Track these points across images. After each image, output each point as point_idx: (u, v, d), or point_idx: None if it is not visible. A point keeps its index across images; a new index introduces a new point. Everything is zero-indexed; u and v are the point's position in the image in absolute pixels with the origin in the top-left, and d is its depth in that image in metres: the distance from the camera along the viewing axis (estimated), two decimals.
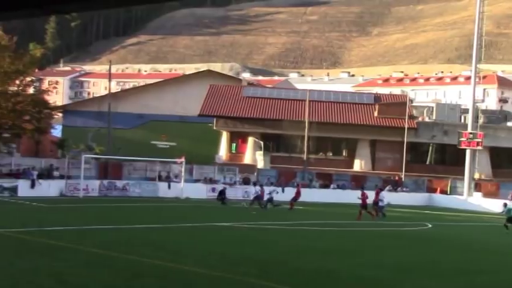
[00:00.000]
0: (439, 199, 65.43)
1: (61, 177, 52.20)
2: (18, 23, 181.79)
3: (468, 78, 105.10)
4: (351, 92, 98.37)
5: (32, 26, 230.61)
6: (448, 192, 67.03)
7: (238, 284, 18.66)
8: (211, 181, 58.98)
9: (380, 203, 44.47)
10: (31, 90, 63.99)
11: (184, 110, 78.74)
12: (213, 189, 56.07)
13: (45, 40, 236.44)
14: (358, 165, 73.45)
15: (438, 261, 25.02)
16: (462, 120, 79.09)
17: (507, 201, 43.96)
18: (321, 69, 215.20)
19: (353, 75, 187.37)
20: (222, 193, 51.30)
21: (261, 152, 71.02)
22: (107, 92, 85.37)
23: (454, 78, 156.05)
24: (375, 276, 21.36)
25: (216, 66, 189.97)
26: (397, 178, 68.42)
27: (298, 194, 49.00)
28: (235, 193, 56.89)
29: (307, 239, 30.94)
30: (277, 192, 49.88)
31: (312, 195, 59.93)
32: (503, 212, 40.14)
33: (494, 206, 61.90)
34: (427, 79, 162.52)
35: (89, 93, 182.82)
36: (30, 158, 60.23)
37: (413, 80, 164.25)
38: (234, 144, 75.79)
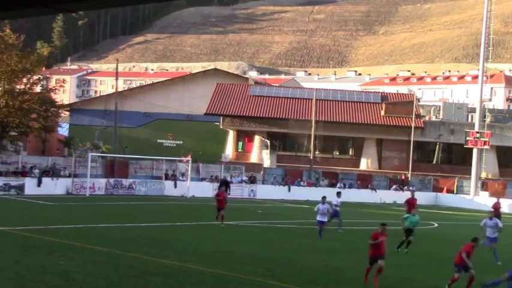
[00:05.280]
0: (446, 198, 65.32)
1: (67, 175, 52.29)
2: (26, 21, 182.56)
3: (475, 77, 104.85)
4: (358, 90, 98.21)
5: (39, 25, 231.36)
6: (455, 192, 66.89)
7: (244, 283, 18.65)
8: (217, 180, 58.91)
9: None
10: (38, 89, 64.16)
11: (191, 108, 78.81)
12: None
13: (53, 39, 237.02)
14: (365, 164, 73.34)
15: (444, 260, 24.98)
16: (469, 120, 78.91)
17: None
18: (328, 68, 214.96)
19: (360, 74, 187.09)
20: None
21: (268, 151, 70.99)
22: (113, 90, 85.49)
23: (461, 77, 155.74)
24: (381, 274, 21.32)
25: (223, 65, 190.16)
26: (403, 177, 68.32)
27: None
28: (242, 192, 56.89)
29: (314, 237, 30.91)
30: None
31: (319, 194, 59.87)
32: None
33: (501, 205, 61.81)
34: (434, 78, 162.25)
35: (95, 92, 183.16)
36: (37, 157, 60.36)
37: (420, 79, 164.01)
38: (241, 142, 75.79)
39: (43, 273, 18.19)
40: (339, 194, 36.66)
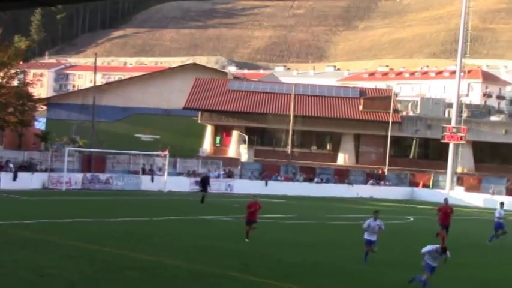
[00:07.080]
0: (422, 193, 65.69)
1: (43, 170, 51.94)
2: (3, 14, 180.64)
3: (453, 72, 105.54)
4: (336, 86, 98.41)
5: (17, 18, 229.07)
6: (431, 186, 67.30)
7: (219, 278, 18.67)
8: (194, 174, 58.82)
9: None
10: (15, 83, 63.65)
11: (169, 103, 78.62)
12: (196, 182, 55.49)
13: (30, 32, 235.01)
14: (342, 159, 73.62)
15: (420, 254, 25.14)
16: (446, 115, 79.44)
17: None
18: (307, 63, 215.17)
19: (338, 69, 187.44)
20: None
21: (245, 146, 71.00)
22: (92, 84, 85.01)
23: (439, 73, 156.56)
24: (358, 269, 21.49)
25: (202, 60, 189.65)
26: (380, 172, 68.69)
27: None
28: (219, 187, 56.82)
29: (291, 232, 31.04)
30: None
31: (296, 188, 60.21)
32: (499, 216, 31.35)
33: (476, 200, 62.41)
34: (412, 73, 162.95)
35: (73, 86, 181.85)
36: (13, 151, 59.86)
37: (399, 74, 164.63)
38: (219, 137, 75.74)
39: (17, 269, 18.08)
40: (502, 204, 31.77)
